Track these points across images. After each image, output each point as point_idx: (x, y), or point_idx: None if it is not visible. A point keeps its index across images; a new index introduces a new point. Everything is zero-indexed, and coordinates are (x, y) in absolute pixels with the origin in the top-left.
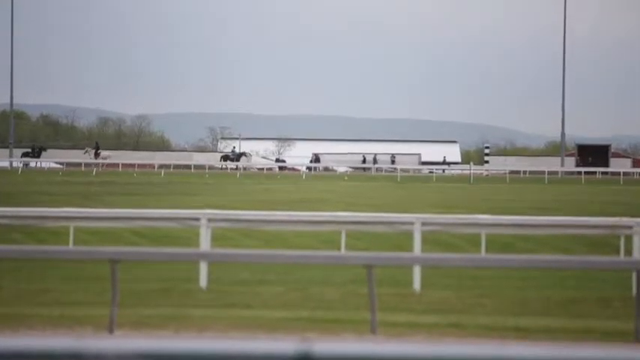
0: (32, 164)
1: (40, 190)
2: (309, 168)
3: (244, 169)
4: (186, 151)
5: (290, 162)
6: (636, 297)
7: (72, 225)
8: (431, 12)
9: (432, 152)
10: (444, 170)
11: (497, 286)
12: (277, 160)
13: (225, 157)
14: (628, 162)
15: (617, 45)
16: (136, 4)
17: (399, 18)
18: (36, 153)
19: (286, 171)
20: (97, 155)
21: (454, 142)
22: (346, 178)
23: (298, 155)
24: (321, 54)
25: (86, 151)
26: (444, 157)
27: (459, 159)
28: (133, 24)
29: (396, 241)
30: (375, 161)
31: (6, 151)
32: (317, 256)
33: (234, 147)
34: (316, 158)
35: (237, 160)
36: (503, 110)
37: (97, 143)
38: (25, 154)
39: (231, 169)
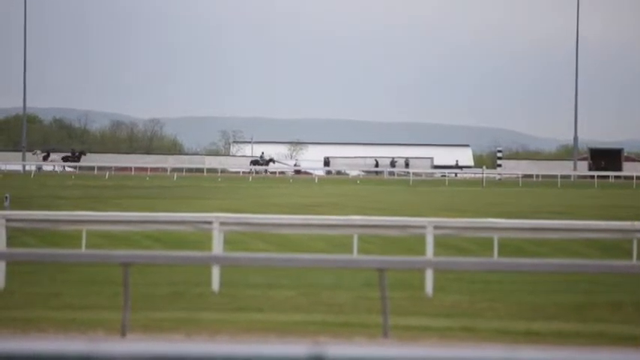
0: (44, 167)
1: (53, 194)
2: (328, 172)
3: (256, 172)
4: (198, 154)
5: (304, 166)
6: None
7: (84, 228)
8: (444, 15)
9: (444, 156)
10: (456, 174)
11: (509, 290)
12: (295, 165)
13: (254, 162)
14: None
15: (630, 48)
16: (149, 8)
17: (412, 21)
18: (76, 157)
19: (298, 175)
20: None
21: (466, 145)
22: (358, 181)
23: (310, 159)
24: (332, 57)
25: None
26: (457, 160)
27: (471, 163)
28: (146, 28)
29: (408, 244)
30: (392, 164)
31: (19, 155)
32: (329, 260)
33: (262, 152)
34: (326, 162)
35: (267, 164)
36: (516, 114)
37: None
38: (65, 159)
39: (244, 172)
